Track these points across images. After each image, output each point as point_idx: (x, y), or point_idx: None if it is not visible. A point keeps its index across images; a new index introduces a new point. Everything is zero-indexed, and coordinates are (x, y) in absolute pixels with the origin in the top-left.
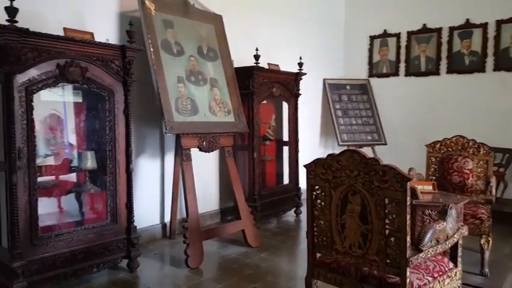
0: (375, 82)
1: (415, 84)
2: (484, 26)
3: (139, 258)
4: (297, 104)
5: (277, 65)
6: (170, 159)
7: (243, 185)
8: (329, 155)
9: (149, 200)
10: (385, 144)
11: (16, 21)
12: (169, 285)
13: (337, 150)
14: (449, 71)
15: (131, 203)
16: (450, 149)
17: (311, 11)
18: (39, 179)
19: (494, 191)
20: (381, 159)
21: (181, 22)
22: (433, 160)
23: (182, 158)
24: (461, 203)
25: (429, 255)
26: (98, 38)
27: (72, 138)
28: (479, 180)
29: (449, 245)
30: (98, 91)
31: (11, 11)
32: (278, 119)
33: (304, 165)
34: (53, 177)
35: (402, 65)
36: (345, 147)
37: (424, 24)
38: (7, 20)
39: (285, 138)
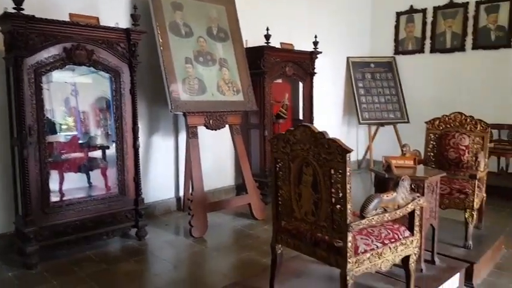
0: (400, 60)
1: (440, 61)
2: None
3: (149, 228)
4: (312, 83)
5: (291, 44)
6: (183, 137)
7: (255, 161)
8: (287, 130)
9: (164, 175)
10: (408, 122)
11: (22, 9)
12: (171, 252)
13: (358, 129)
14: (475, 47)
15: (138, 177)
16: (448, 126)
17: None
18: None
19: (482, 166)
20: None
21: (190, 4)
22: (432, 137)
23: (189, 135)
24: (437, 176)
25: (373, 222)
26: (109, 22)
27: (80, 117)
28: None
29: (400, 214)
30: (105, 72)
31: None
32: (295, 98)
33: (269, 140)
34: (64, 153)
35: (427, 42)
36: (366, 126)
37: None
38: (14, 8)
39: (301, 117)
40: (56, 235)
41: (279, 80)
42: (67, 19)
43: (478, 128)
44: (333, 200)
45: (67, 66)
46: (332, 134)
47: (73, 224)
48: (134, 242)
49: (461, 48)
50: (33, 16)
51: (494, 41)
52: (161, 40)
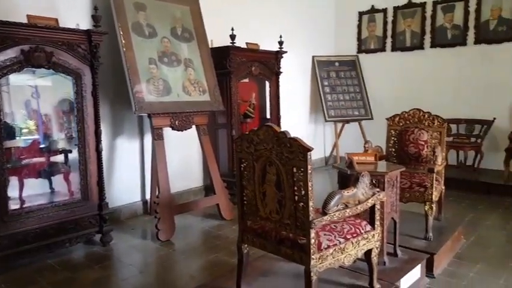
0: (363, 58)
1: (401, 59)
2: (466, 0)
3: (114, 233)
4: (278, 82)
5: (257, 44)
6: (149, 139)
7: (223, 161)
8: (251, 130)
9: (130, 178)
10: (371, 119)
11: None
12: (137, 256)
13: (325, 126)
14: (433, 45)
15: (102, 181)
16: (408, 122)
17: None
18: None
19: (439, 160)
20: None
21: (154, 4)
22: (393, 133)
23: (154, 137)
24: (397, 171)
25: (335, 218)
26: (69, 23)
27: (42, 120)
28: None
29: (361, 209)
30: (65, 75)
31: None
32: (263, 97)
33: (233, 140)
34: (24, 158)
35: (388, 41)
36: (332, 123)
37: None
38: None
39: (269, 115)
40: (16, 244)
41: (246, 80)
42: (25, 21)
43: (436, 124)
44: (296, 197)
45: (25, 69)
46: (299, 132)
47: (34, 232)
48: (98, 248)
49: (420, 46)
50: None
51: (450, 39)
52: (123, 41)
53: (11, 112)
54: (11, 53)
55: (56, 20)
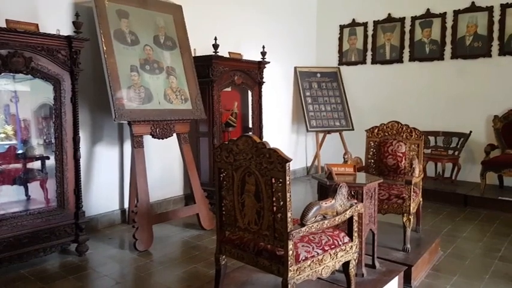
0: (344, 70)
1: (381, 72)
2: (443, 16)
3: (91, 242)
4: (261, 91)
5: (240, 54)
6: (128, 146)
7: (204, 170)
8: (230, 140)
9: (108, 187)
10: (352, 129)
11: None
12: (114, 267)
13: (307, 136)
14: (412, 59)
15: (79, 189)
16: (386, 134)
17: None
18: None
19: (417, 172)
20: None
21: (137, 12)
22: (372, 144)
23: (134, 144)
24: (375, 183)
25: (313, 230)
26: (50, 29)
27: (20, 125)
28: None
29: (339, 221)
30: (44, 80)
31: None
32: (245, 106)
33: (212, 150)
34: None
35: (369, 54)
36: (314, 133)
37: (389, 14)
38: None
39: (251, 125)
40: None
41: (228, 89)
42: (4, 25)
43: (413, 136)
44: (275, 208)
45: (2, 74)
46: (281, 141)
47: (7, 241)
48: (74, 257)
49: (400, 60)
50: None
51: (428, 53)
52: (105, 48)
53: None
54: None
55: (37, 25)
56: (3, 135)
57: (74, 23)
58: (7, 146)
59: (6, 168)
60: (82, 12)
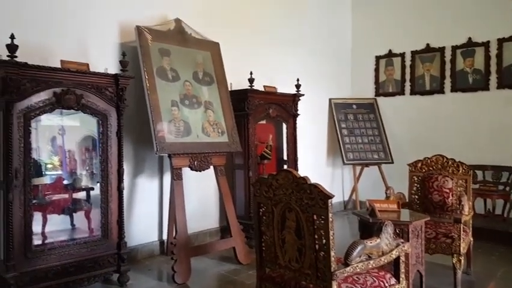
0: (381, 101)
1: (421, 103)
2: (486, 45)
3: (131, 273)
4: (295, 124)
5: (274, 87)
6: (168, 178)
7: (239, 203)
8: (269, 175)
9: (148, 218)
10: (392, 162)
11: (16, 56)
12: None
13: (343, 169)
14: (454, 89)
15: (122, 220)
16: (431, 168)
17: (318, 31)
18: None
19: (466, 209)
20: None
21: (177, 50)
22: (415, 179)
23: (173, 177)
24: (422, 220)
25: (358, 270)
26: (99, 67)
27: (66, 156)
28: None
29: (385, 261)
30: (92, 116)
31: (11, 47)
32: (280, 139)
33: (251, 184)
34: (49, 194)
35: (407, 84)
36: (351, 166)
37: (427, 44)
38: (8, 56)
39: (286, 157)
40: (37, 280)
41: (263, 121)
42: (58, 65)
43: (460, 171)
44: (317, 246)
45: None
46: (317, 175)
47: (54, 269)
48: (116, 287)
49: (441, 90)
50: (26, 63)
51: (471, 83)
52: (148, 84)
53: (37, 147)
54: (44, 95)
55: (87, 65)
56: (50, 166)
57: (121, 62)
58: (55, 177)
59: (56, 198)
60: (127, 51)
